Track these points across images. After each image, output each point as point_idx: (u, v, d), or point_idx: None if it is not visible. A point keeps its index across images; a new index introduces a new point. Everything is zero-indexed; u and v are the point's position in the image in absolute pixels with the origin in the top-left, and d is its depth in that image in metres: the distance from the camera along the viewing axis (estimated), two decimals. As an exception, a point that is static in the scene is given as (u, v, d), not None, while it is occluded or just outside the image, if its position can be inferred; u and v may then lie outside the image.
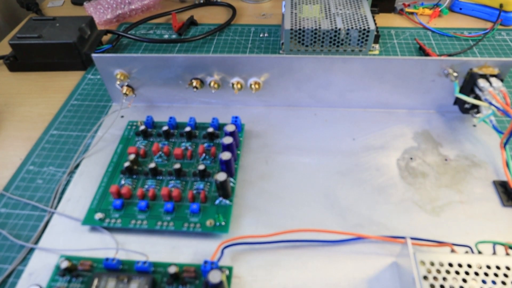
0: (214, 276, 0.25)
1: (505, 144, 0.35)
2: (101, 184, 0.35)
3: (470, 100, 0.37)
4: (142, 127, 0.38)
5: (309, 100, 0.42)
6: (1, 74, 0.52)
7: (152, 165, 0.35)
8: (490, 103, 0.35)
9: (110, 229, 0.32)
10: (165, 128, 0.38)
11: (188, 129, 0.38)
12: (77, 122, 0.43)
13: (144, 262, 0.28)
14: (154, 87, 0.42)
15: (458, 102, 0.40)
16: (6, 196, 0.36)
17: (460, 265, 0.25)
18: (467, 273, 0.25)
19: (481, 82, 0.36)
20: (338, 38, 0.50)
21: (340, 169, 0.36)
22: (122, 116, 0.42)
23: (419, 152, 0.38)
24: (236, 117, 0.38)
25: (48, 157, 0.39)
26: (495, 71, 0.37)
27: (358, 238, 0.31)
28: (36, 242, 0.32)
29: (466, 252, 0.28)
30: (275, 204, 0.34)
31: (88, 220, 0.32)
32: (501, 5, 0.55)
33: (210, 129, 0.38)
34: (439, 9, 0.59)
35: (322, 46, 0.51)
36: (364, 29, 0.49)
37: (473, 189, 0.34)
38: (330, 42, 0.50)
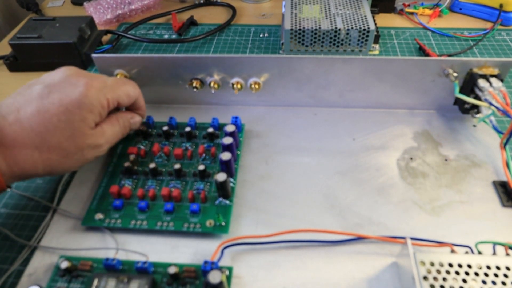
0: (214, 276, 0.25)
1: (505, 144, 0.35)
2: (101, 184, 0.35)
3: (470, 100, 0.37)
4: (142, 127, 0.38)
5: (309, 100, 0.42)
6: (1, 74, 0.52)
7: (152, 165, 0.35)
8: (490, 103, 0.35)
9: (110, 229, 0.32)
10: (165, 128, 0.38)
11: (188, 129, 0.38)
12: (77, 122, 0.43)
13: (144, 262, 0.28)
14: (154, 87, 0.42)
15: (458, 102, 0.40)
16: (6, 197, 0.36)
17: (460, 266, 0.25)
18: (467, 273, 0.25)
19: (481, 82, 0.36)
20: (338, 38, 0.50)
21: (340, 169, 0.36)
22: (122, 116, 0.42)
23: (419, 152, 0.38)
24: (236, 117, 0.38)
25: (48, 157, 0.39)
26: (495, 71, 0.37)
27: (358, 238, 0.31)
28: (36, 242, 0.32)
29: (466, 252, 0.28)
30: (275, 204, 0.34)
31: (88, 220, 0.32)
32: (501, 5, 0.55)
33: (210, 129, 0.38)
34: (439, 9, 0.59)
35: (322, 46, 0.51)
36: (364, 29, 0.49)
37: (473, 189, 0.34)
38: (330, 42, 0.50)
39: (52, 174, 0.31)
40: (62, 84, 0.31)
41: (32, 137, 0.29)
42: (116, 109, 0.36)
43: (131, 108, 0.37)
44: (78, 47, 0.50)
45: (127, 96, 0.34)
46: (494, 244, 0.28)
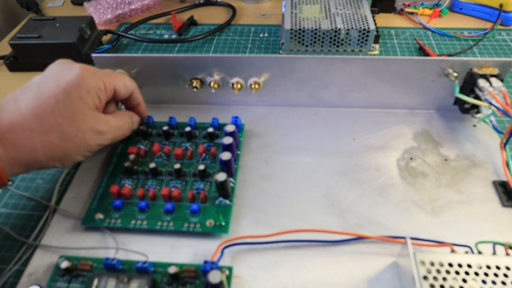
0: (214, 276, 0.25)
1: (505, 144, 0.35)
2: (101, 184, 0.35)
3: (470, 100, 0.37)
4: (142, 127, 0.38)
5: (309, 100, 0.42)
6: (1, 74, 0.52)
7: (152, 165, 0.35)
8: (490, 103, 0.35)
9: (110, 229, 0.32)
10: (165, 128, 0.38)
11: (188, 129, 0.38)
12: (77, 122, 0.43)
13: (144, 262, 0.28)
14: (154, 87, 0.42)
15: (458, 102, 0.40)
16: (6, 196, 0.36)
17: (460, 265, 0.25)
18: (467, 273, 0.25)
19: (481, 82, 0.36)
20: (338, 38, 0.50)
21: (340, 169, 0.36)
22: (122, 116, 0.42)
23: (419, 152, 0.38)
24: (236, 117, 0.38)
25: (48, 157, 0.39)
26: (495, 71, 0.37)
27: (358, 238, 0.31)
28: (36, 242, 0.32)
29: (466, 252, 0.28)
30: (275, 204, 0.34)
31: (88, 220, 0.32)
32: (501, 5, 0.55)
33: (210, 129, 0.38)
34: (439, 9, 0.59)
35: (322, 46, 0.51)
36: (364, 29, 0.49)
37: (473, 189, 0.34)
38: (330, 42, 0.50)
39: (53, 161, 0.30)
40: (58, 70, 0.32)
41: (29, 120, 0.29)
42: (116, 104, 0.36)
43: (130, 103, 0.37)
44: (78, 47, 0.50)
45: (124, 86, 0.35)
46: (494, 244, 0.28)
